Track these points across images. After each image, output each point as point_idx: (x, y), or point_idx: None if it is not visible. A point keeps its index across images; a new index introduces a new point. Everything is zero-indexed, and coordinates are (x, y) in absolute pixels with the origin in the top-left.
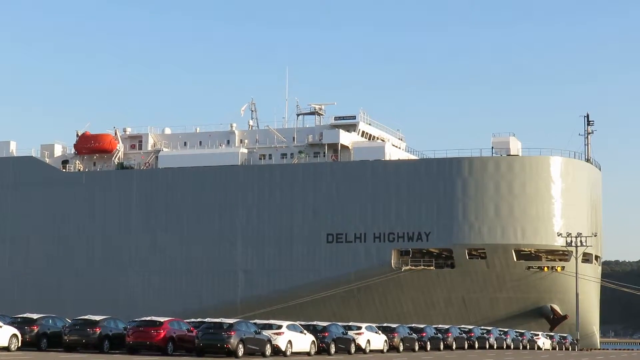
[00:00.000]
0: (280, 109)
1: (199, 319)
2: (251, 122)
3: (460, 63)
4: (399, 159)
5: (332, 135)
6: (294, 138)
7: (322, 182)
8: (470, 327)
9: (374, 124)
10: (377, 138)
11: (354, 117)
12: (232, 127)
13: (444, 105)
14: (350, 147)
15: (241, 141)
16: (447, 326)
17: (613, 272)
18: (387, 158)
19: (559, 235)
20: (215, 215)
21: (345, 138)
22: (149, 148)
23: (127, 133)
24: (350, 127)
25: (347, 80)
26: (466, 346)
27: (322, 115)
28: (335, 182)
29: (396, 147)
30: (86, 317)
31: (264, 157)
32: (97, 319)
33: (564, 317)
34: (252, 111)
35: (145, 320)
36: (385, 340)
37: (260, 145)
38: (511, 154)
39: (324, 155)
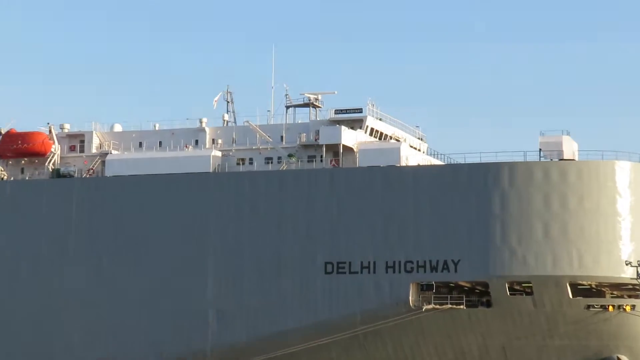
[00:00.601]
0: (264, 100)
1: None
2: (226, 117)
3: (497, 42)
4: (419, 165)
5: (331, 134)
6: (282, 137)
7: (318, 194)
8: None
9: (386, 119)
10: (391, 137)
11: (360, 110)
12: (201, 122)
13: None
14: (355, 149)
15: (213, 141)
16: None
17: None
18: (403, 163)
19: (627, 265)
20: (179, 237)
21: (349, 137)
22: (94, 150)
23: (66, 131)
24: (356, 123)
25: (351, 63)
26: None
27: (318, 107)
28: (336, 194)
29: (415, 148)
30: None
31: (242, 162)
32: None
33: None
34: (228, 102)
35: None
36: None
37: (238, 147)
38: (565, 158)
39: (322, 160)
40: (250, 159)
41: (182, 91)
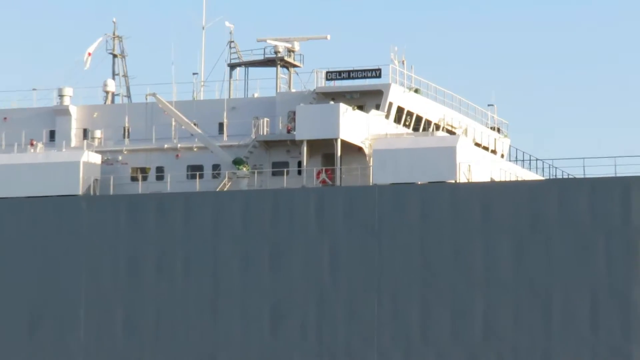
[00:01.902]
0: (187, 54)
1: None
2: (111, 86)
3: None
4: (492, 180)
5: (319, 120)
6: (221, 126)
7: (293, 246)
8: None
9: (428, 91)
10: (437, 126)
11: (377, 73)
12: (61, 97)
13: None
14: (366, 150)
15: (85, 134)
16: None
17: None
18: (460, 177)
19: None
20: (24, 298)
21: (355, 127)
22: None
23: None
24: (369, 99)
25: None
26: None
27: (294, 67)
28: (332, 249)
29: (485, 148)
30: None
31: (143, 175)
32: None
33: None
34: (116, 57)
35: None
36: None
37: (134, 146)
38: None
39: (299, 172)
40: (159, 170)
41: (32, 42)
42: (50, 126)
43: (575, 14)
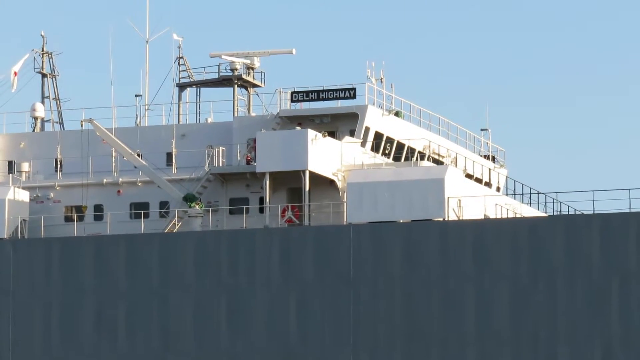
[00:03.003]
0: (129, 72)
1: None
2: (40, 111)
3: None
4: (487, 217)
5: (284, 149)
6: (169, 157)
7: (258, 298)
8: None
9: (411, 113)
10: (421, 154)
11: (351, 93)
12: None
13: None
14: (339, 184)
15: (11, 166)
16: None
17: None
18: (450, 214)
19: None
20: None
21: (326, 156)
22: None
23: None
24: (342, 123)
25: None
26: None
27: (254, 87)
28: (296, 289)
29: (478, 180)
30: None
31: (80, 215)
32: None
33: None
34: (46, 77)
35: None
36: None
37: (68, 180)
38: None
39: (261, 210)
40: (98, 208)
41: None
42: None
43: (582, 28)
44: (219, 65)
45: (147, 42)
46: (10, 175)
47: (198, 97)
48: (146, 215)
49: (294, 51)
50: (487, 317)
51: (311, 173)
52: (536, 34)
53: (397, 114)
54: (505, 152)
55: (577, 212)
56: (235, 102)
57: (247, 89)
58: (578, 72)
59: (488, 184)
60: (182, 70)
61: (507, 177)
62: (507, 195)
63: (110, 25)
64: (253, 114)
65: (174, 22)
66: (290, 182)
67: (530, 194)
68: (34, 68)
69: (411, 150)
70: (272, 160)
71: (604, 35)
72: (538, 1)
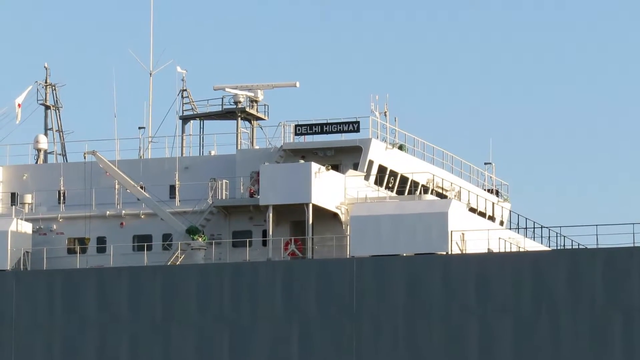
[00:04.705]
0: (132, 105)
1: None
2: (43, 143)
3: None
4: (490, 251)
5: (288, 183)
6: (173, 190)
7: (258, 327)
8: None
9: (414, 146)
10: (425, 187)
11: (355, 127)
12: None
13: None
14: (343, 217)
15: (13, 198)
16: None
17: None
18: (453, 247)
19: None
20: None
21: (330, 190)
22: None
23: None
24: (345, 157)
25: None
26: None
27: (258, 120)
28: (298, 323)
29: (482, 214)
30: None
31: (82, 247)
32: None
33: None
34: (49, 109)
35: None
36: None
37: (71, 212)
38: None
39: (265, 243)
40: (101, 240)
41: None
42: None
43: (586, 60)
44: (222, 98)
45: (150, 74)
46: (13, 207)
47: (201, 129)
48: (149, 248)
49: (297, 84)
50: (490, 352)
51: (314, 206)
52: (541, 66)
53: (400, 147)
54: (509, 185)
55: (580, 247)
56: (239, 134)
57: (250, 122)
58: (583, 106)
59: (491, 218)
60: (185, 103)
61: (510, 210)
62: (510, 229)
63: (114, 57)
64: (256, 147)
65: (178, 54)
66: (293, 215)
67: (534, 227)
68: (37, 100)
69: (414, 184)
70: (276, 193)
71: (607, 69)
72: (546, 32)
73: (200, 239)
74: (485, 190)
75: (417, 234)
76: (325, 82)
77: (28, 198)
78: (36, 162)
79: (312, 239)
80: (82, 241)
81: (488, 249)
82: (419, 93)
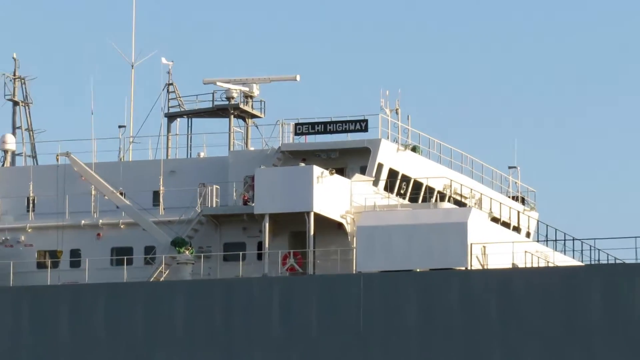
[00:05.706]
0: (112, 101)
1: None
2: (10, 144)
3: None
4: (515, 266)
5: (286, 189)
6: (157, 197)
7: (253, 350)
8: None
9: (428, 148)
10: (441, 194)
11: (363, 126)
12: None
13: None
14: (348, 227)
15: None
16: None
17: None
18: (473, 262)
19: None
20: None
21: (334, 196)
22: None
23: None
24: (351, 159)
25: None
26: None
27: (253, 118)
28: (298, 345)
29: (505, 224)
30: None
31: (54, 261)
32: None
33: None
34: (18, 104)
35: None
36: None
37: (41, 221)
38: None
39: (260, 257)
40: (75, 253)
41: None
42: None
43: (616, 63)
44: (213, 93)
45: (132, 66)
46: None
47: (189, 128)
48: (129, 262)
49: (298, 77)
50: None
51: (316, 215)
52: (571, 64)
53: (414, 149)
54: (537, 192)
55: (617, 261)
56: (232, 134)
57: (244, 120)
58: (621, 104)
59: (517, 229)
60: (171, 99)
61: (538, 220)
62: (538, 241)
63: (91, 47)
64: (251, 148)
65: (163, 44)
66: (292, 226)
67: (565, 240)
68: (5, 95)
69: (430, 190)
70: (273, 201)
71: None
72: (575, 32)
73: (187, 252)
74: (509, 197)
75: (433, 247)
76: (329, 75)
77: None
78: (2, 165)
79: (314, 252)
80: (54, 254)
81: (512, 263)
82: (434, 88)
